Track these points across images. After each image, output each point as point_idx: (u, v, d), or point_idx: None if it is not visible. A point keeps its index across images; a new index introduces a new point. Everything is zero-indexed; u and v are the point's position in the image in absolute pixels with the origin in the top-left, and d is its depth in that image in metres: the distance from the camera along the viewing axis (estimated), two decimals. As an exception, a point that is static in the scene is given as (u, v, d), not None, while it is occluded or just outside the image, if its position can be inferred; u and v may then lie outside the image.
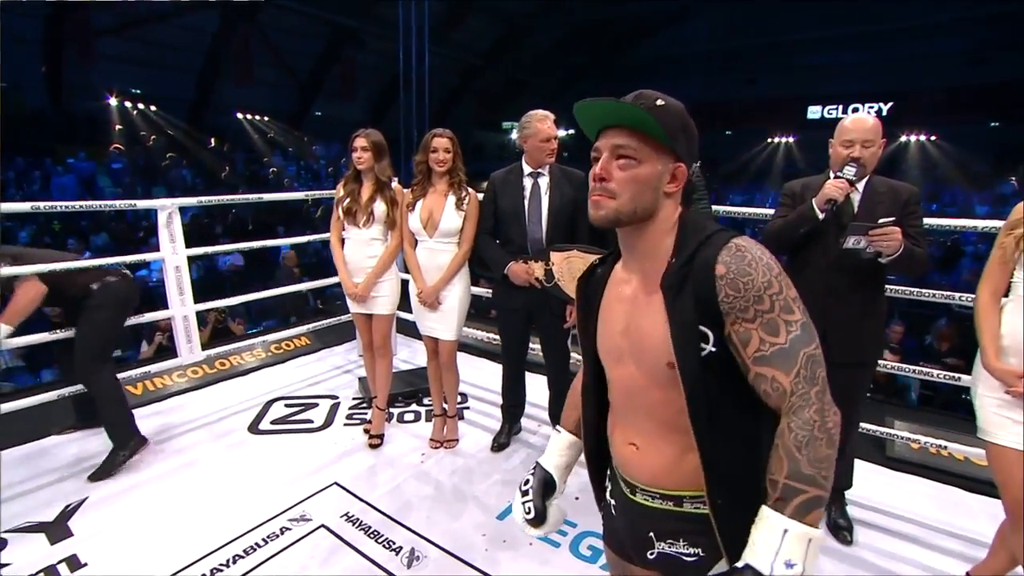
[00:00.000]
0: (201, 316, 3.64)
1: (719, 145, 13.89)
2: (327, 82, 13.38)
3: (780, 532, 0.71)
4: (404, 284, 2.59)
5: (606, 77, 17.20)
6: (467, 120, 16.19)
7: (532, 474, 1.05)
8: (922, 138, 13.53)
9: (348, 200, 2.41)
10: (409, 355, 3.76)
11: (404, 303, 2.58)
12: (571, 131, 19.41)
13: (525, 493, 1.04)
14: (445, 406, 2.62)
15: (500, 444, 2.58)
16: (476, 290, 3.48)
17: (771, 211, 2.70)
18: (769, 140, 14.47)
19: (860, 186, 1.83)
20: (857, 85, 12.23)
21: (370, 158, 2.37)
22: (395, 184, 2.43)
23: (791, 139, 14.09)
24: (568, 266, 2.25)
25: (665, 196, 0.85)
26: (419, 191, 2.38)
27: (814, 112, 12.91)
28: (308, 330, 3.76)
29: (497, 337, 2.61)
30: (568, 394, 1.10)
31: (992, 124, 11.87)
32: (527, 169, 2.32)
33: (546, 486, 1.04)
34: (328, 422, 2.85)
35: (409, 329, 3.69)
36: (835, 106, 12.41)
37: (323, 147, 15.15)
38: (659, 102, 0.83)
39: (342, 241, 2.46)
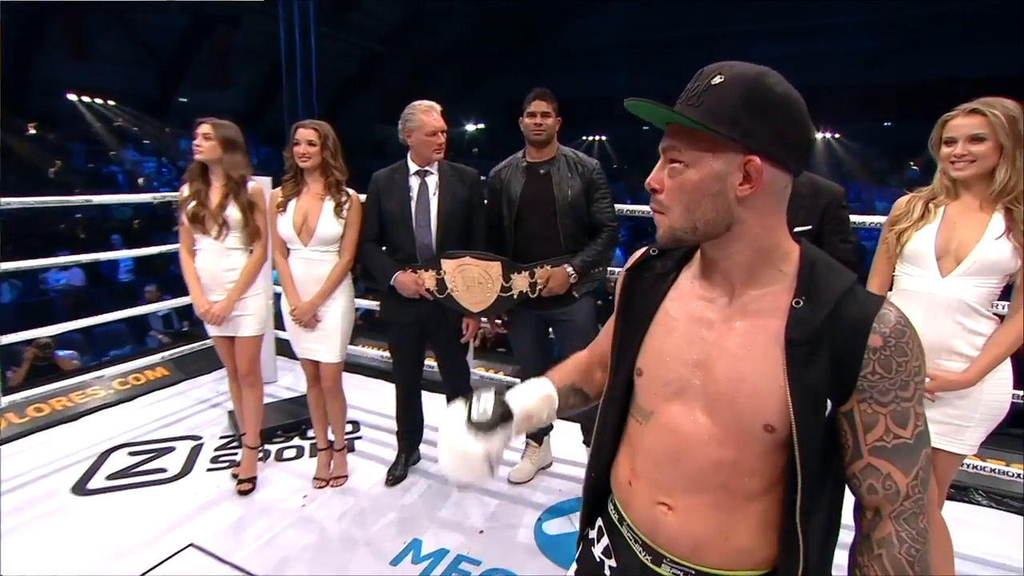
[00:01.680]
0: (13, 351, 3.28)
1: (641, 141, 14.61)
2: (197, 64, 12.62)
3: None
4: (278, 299, 2.50)
5: (522, 68, 17.61)
6: (368, 113, 15.91)
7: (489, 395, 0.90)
8: (827, 136, 15.19)
9: (194, 203, 2.27)
10: (294, 381, 3.64)
11: (281, 321, 2.52)
12: (480, 125, 19.86)
13: (478, 399, 0.89)
14: (331, 438, 2.56)
15: (396, 477, 2.55)
16: (363, 303, 3.48)
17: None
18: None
19: None
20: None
21: (213, 148, 2.23)
22: (252, 184, 2.33)
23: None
24: (462, 275, 2.27)
25: (740, 203, 0.74)
26: (290, 190, 2.31)
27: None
28: (165, 359, 3.52)
29: (389, 354, 2.59)
30: (569, 360, 1.03)
31: (886, 124, 13.53)
32: (413, 167, 2.32)
33: (504, 410, 0.88)
34: (187, 469, 2.67)
35: (290, 350, 3.55)
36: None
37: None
38: (716, 79, 0.71)
39: (193, 252, 2.34)
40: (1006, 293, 1.62)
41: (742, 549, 0.78)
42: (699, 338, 0.79)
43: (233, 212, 2.28)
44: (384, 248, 2.39)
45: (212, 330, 2.41)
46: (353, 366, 3.59)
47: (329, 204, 2.28)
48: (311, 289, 2.32)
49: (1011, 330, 1.56)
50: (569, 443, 2.74)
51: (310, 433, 2.90)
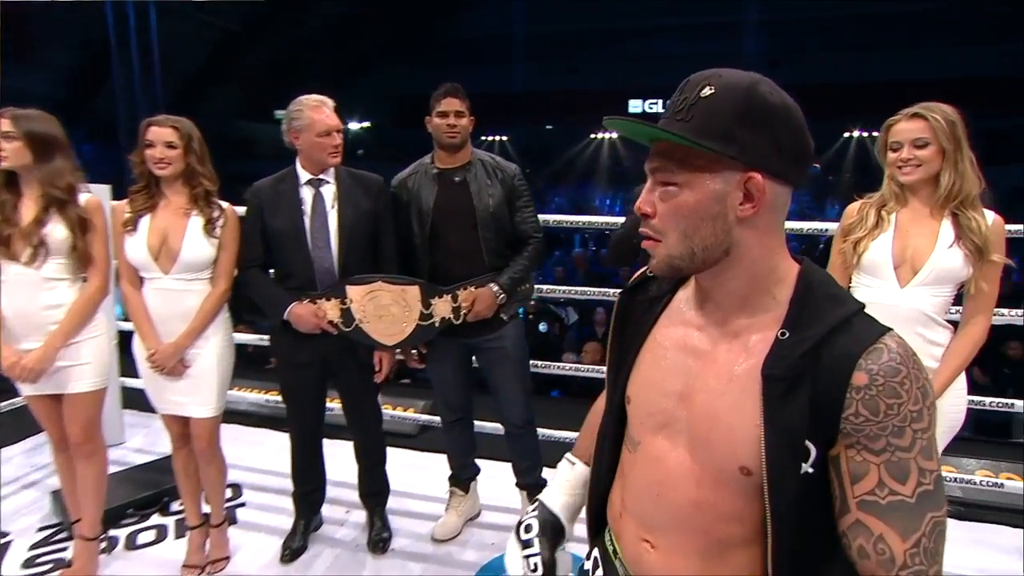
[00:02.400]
0: None
1: (541, 140, 15.00)
2: None
3: None
4: (125, 340, 2.24)
5: (409, 59, 17.47)
6: (229, 107, 15.22)
7: (533, 515, 0.98)
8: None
9: None
10: (146, 441, 3.33)
11: (128, 366, 2.29)
12: (366, 123, 19.45)
13: (527, 544, 0.95)
14: (206, 510, 2.34)
15: (294, 550, 2.37)
16: (244, 338, 3.20)
17: (606, 219, 2.88)
18: (592, 136, 16.09)
19: None
20: (678, 79, 14.26)
21: (19, 152, 1.94)
22: (87, 196, 2.10)
23: (615, 134, 15.92)
24: (373, 303, 2.16)
25: (740, 224, 0.74)
26: (141, 203, 2.07)
27: (635, 106, 14.71)
28: None
29: (281, 398, 2.42)
30: (588, 415, 1.07)
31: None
32: (304, 175, 2.18)
33: (554, 531, 0.96)
34: (-10, 576, 2.26)
35: (141, 401, 3.15)
36: (655, 100, 14.29)
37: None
38: (706, 91, 0.72)
39: None
40: (957, 301, 1.74)
41: None
42: (685, 368, 0.81)
43: (56, 231, 2.00)
44: (272, 274, 2.25)
45: (26, 388, 2.09)
46: (229, 414, 3.25)
47: (197, 221, 2.09)
48: (175, 327, 2.10)
49: (968, 339, 1.67)
50: (499, 487, 2.66)
51: (175, 507, 2.61)
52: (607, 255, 2.09)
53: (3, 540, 2.44)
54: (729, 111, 0.71)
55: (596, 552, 0.96)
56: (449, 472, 2.57)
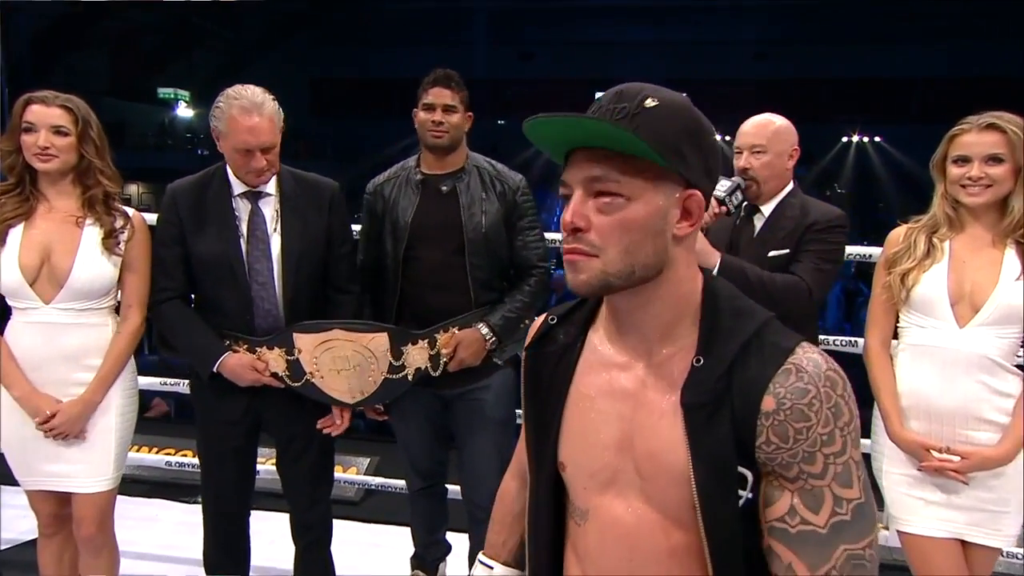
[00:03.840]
0: None
1: (497, 135, 15.07)
2: None
3: None
4: None
5: (328, 33, 17.42)
6: (97, 82, 14.84)
7: None
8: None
9: None
10: None
11: None
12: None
13: None
14: None
15: None
16: (146, 381, 3.04)
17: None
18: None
19: (767, 208, 2.03)
20: (648, 69, 14.81)
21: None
22: None
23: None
24: (329, 354, 2.06)
25: (675, 241, 0.83)
26: (13, 208, 1.95)
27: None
28: None
29: (188, 459, 2.34)
30: (495, 504, 1.11)
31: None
32: (237, 184, 2.06)
33: None
34: None
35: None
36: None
37: None
38: (649, 102, 0.81)
39: None
40: None
41: None
42: (617, 415, 0.88)
43: None
44: (192, 306, 2.14)
45: None
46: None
47: (92, 232, 2.00)
48: (57, 375, 1.99)
49: None
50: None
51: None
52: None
53: None
54: (676, 126, 0.82)
55: None
56: (412, 551, 2.50)
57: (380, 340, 2.07)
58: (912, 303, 1.73)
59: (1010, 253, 1.66)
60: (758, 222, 2.05)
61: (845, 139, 15.34)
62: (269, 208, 2.07)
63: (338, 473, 3.23)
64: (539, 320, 1.02)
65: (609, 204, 0.81)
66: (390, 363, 2.08)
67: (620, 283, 0.83)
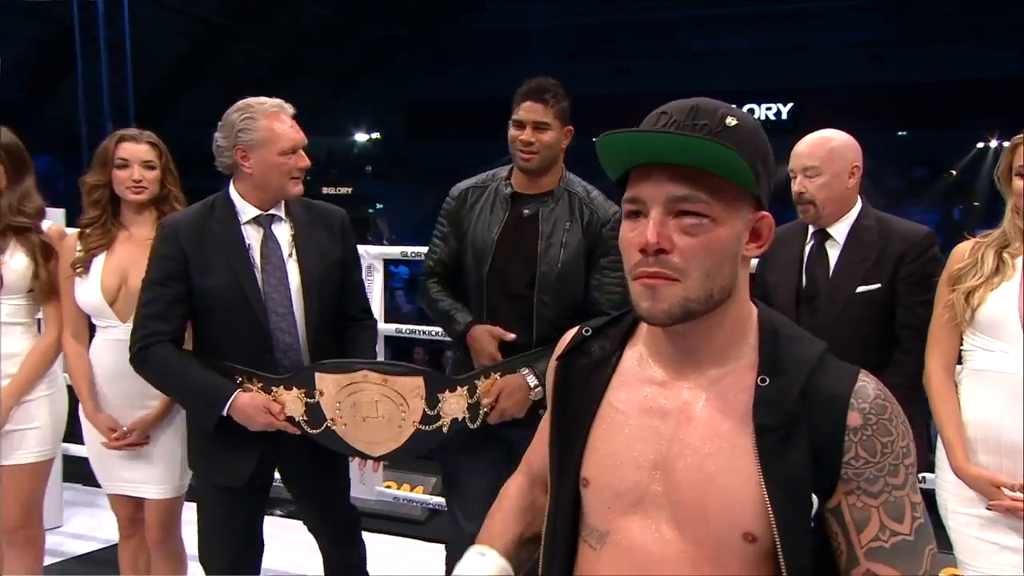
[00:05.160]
0: None
1: (586, 158, 15.08)
2: None
3: None
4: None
5: (425, 57, 17.88)
6: (208, 113, 15.54)
7: None
8: None
9: None
10: (89, 525, 3.31)
11: (73, 429, 2.30)
12: (375, 134, 19.63)
13: None
14: None
15: None
16: None
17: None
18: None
19: (838, 234, 1.96)
20: (752, 80, 14.42)
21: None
22: (49, 225, 2.20)
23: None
24: (353, 399, 1.87)
25: (743, 265, 0.85)
26: (97, 240, 2.12)
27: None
28: None
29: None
30: (497, 498, 1.11)
31: (900, 133, 14.70)
32: (247, 210, 1.93)
33: None
34: None
35: (84, 474, 3.12)
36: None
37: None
38: (730, 120, 0.82)
39: None
40: None
41: None
42: (655, 434, 0.87)
43: (17, 261, 2.09)
44: (198, 344, 1.99)
45: None
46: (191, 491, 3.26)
47: None
48: (130, 387, 2.10)
49: None
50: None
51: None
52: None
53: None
54: (755, 147, 0.82)
55: None
56: None
57: (412, 384, 1.86)
58: (978, 324, 1.66)
59: None
60: (832, 251, 1.97)
61: (980, 145, 14.34)
62: (283, 233, 1.96)
63: (404, 492, 3.34)
64: (572, 332, 1.01)
65: (696, 225, 0.80)
66: (424, 412, 1.87)
67: (699, 309, 0.82)
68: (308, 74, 17.37)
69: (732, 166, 0.78)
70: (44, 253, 2.13)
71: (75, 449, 3.09)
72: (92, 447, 2.19)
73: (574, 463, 0.92)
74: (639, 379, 0.91)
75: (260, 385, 1.88)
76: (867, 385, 0.83)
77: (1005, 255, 1.66)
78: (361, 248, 3.22)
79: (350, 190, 17.02)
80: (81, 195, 2.16)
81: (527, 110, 1.95)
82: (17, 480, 2.14)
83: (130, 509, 2.22)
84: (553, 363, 1.00)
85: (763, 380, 0.83)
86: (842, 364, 0.86)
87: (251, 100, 1.88)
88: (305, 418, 1.88)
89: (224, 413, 1.82)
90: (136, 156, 2.08)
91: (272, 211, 1.94)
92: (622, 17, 14.84)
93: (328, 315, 1.99)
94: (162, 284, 1.87)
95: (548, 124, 1.95)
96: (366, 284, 3.32)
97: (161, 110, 13.32)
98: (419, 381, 1.87)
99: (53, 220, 2.27)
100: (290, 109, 1.91)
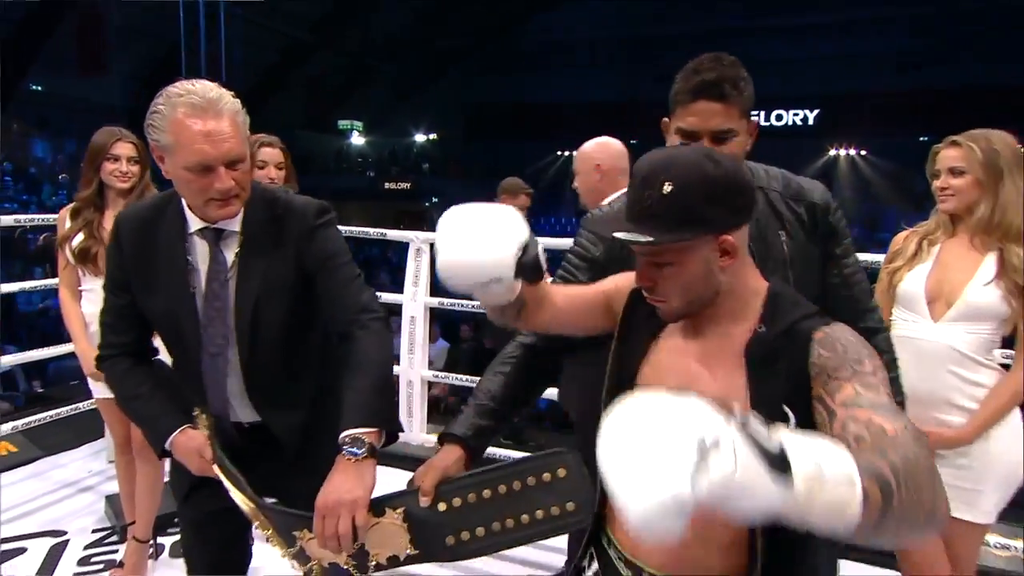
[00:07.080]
0: None
1: (635, 156, 15.11)
2: (54, 43, 12.54)
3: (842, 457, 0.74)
4: None
5: (484, 65, 18.18)
6: (293, 117, 16.24)
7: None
8: (851, 152, 16.07)
9: (83, 236, 2.33)
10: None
11: None
12: (432, 135, 19.88)
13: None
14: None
15: None
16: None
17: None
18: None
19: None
20: (781, 87, 14.38)
21: (140, 173, 2.33)
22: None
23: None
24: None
25: (722, 271, 1.02)
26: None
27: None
28: (12, 430, 3.34)
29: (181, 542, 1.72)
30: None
31: (922, 138, 14.32)
32: (194, 219, 1.39)
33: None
34: (44, 576, 2.54)
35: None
36: (755, 112, 14.16)
37: (48, 142, 14.36)
38: (666, 188, 0.96)
39: (79, 293, 2.43)
40: (1009, 342, 1.85)
41: (715, 561, 1.04)
42: (680, 368, 1.08)
43: None
44: (159, 359, 1.59)
45: (99, 389, 2.41)
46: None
47: None
48: None
49: (1011, 381, 1.77)
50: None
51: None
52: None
53: (62, 539, 2.79)
54: (693, 200, 0.96)
55: (592, 548, 1.19)
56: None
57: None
58: (898, 298, 1.87)
59: (990, 258, 1.76)
60: None
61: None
62: (231, 251, 1.42)
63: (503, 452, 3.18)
64: (634, 291, 1.17)
65: (667, 268, 1.01)
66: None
67: (693, 310, 1.04)
68: (376, 83, 18.07)
69: (673, 242, 0.98)
70: None
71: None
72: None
73: (625, 388, 1.10)
74: (676, 329, 1.11)
75: (202, 420, 1.45)
76: (839, 324, 0.99)
77: (925, 242, 1.86)
78: (411, 233, 3.42)
79: (408, 185, 17.64)
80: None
81: (701, 115, 1.26)
82: None
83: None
84: (629, 293, 1.17)
85: (760, 328, 1.01)
86: (829, 318, 1.01)
87: (178, 86, 1.29)
88: (294, 559, 1.34)
89: (166, 447, 1.43)
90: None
91: (220, 224, 1.39)
92: (661, 30, 14.93)
93: (279, 351, 1.46)
94: (112, 292, 1.49)
95: (734, 131, 1.27)
96: (412, 266, 3.43)
97: (251, 114, 14.06)
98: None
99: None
100: (228, 107, 1.30)
